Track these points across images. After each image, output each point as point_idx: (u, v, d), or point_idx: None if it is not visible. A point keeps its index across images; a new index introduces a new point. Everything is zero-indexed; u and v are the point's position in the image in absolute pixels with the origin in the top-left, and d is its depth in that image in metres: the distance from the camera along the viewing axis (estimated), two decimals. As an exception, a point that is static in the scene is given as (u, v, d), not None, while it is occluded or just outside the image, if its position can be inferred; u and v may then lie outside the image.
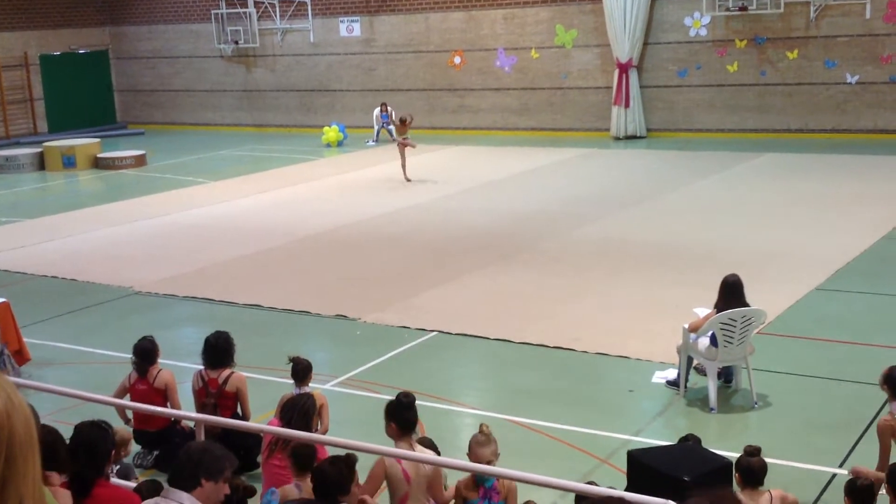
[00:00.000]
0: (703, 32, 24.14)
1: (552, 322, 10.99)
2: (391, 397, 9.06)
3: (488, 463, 5.63)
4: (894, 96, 22.46)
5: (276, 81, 29.94)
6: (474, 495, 5.82)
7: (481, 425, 6.15)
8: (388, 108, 26.21)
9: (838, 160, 20.29)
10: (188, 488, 4.29)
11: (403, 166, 19.89)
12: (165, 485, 4.50)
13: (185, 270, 13.98)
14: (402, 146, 19.85)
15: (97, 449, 5.13)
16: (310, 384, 7.70)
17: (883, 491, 5.77)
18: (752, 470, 5.87)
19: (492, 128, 26.88)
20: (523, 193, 18.50)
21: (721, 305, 8.57)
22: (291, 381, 7.74)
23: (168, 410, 7.85)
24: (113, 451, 5.27)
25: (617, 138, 24.82)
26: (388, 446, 6.14)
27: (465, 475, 5.99)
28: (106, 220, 17.77)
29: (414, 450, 5.83)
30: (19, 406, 1.81)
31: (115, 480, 5.61)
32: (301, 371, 7.60)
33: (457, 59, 27.12)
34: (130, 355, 8.21)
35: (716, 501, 1.85)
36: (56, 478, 4.81)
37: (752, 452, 5.93)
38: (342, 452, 6.20)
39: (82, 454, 5.07)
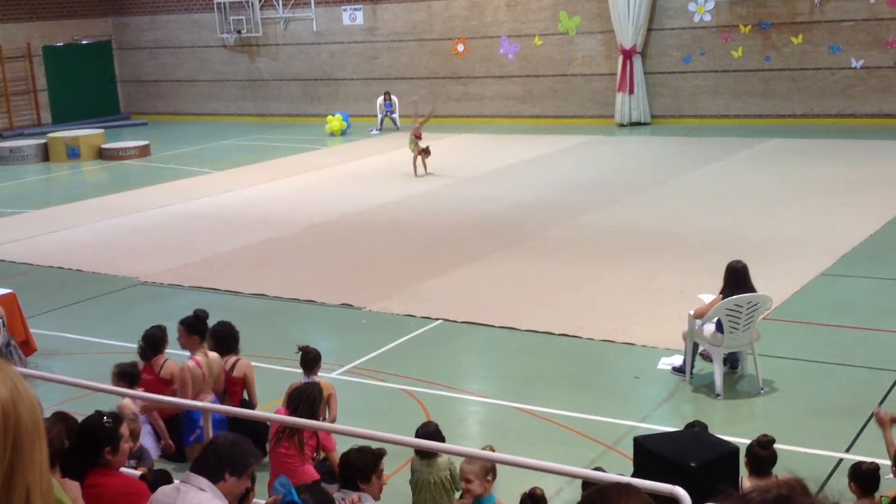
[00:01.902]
0: (708, 18, 24.04)
1: (557, 309, 10.99)
2: (398, 385, 9.14)
3: (466, 482, 5.59)
4: (899, 81, 22.39)
5: (279, 71, 29.90)
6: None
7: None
8: (392, 97, 26.20)
9: (843, 145, 20.24)
10: (211, 481, 4.27)
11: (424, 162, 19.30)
12: (185, 473, 4.48)
13: (190, 260, 14.00)
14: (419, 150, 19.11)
15: (93, 436, 5.14)
16: (318, 373, 7.73)
17: (890, 475, 5.77)
18: (761, 459, 5.92)
19: (495, 115, 26.83)
20: (527, 181, 18.47)
21: (726, 291, 8.56)
22: (299, 370, 7.76)
23: (175, 399, 7.87)
24: (111, 445, 5.23)
25: (621, 125, 24.76)
26: (396, 434, 6.16)
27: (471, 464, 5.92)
28: (111, 211, 17.78)
29: (207, 354, 7.68)
30: (25, 395, 1.81)
31: (125, 470, 5.62)
32: (311, 360, 7.63)
33: (460, 47, 27.06)
34: (138, 342, 8.23)
35: (787, 492, 1.81)
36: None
37: (765, 444, 5.95)
38: (350, 441, 6.23)
39: (75, 439, 5.11)
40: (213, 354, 7.76)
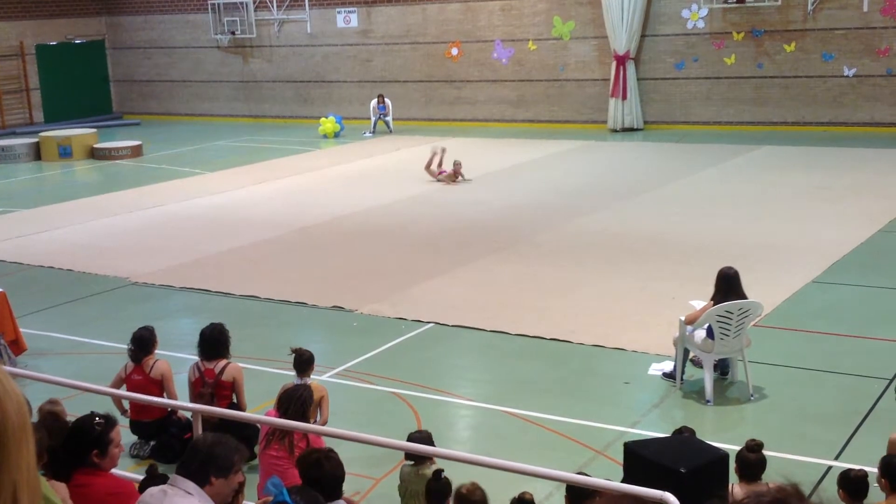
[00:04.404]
0: (701, 25, 24.11)
1: (548, 314, 10.99)
2: (388, 389, 9.13)
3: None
4: (891, 89, 22.45)
5: (273, 72, 29.88)
6: None
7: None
8: (385, 100, 26.20)
9: (835, 153, 20.29)
10: (198, 484, 4.18)
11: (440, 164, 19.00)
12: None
13: (182, 261, 13.97)
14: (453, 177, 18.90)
15: (81, 438, 5.12)
16: (311, 375, 7.72)
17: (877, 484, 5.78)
18: (749, 464, 5.93)
19: (489, 119, 26.85)
20: (520, 185, 18.49)
21: (718, 298, 8.57)
22: (290, 372, 7.75)
23: (165, 401, 7.85)
24: (98, 448, 5.21)
25: (614, 130, 24.80)
26: (384, 437, 6.14)
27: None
28: (102, 211, 17.74)
29: None
30: (12, 393, 1.81)
31: (115, 472, 5.60)
32: (304, 362, 7.62)
33: (454, 51, 27.08)
34: (127, 345, 8.21)
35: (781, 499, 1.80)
36: None
37: (753, 448, 5.96)
38: (340, 443, 6.21)
39: (64, 439, 5.08)
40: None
